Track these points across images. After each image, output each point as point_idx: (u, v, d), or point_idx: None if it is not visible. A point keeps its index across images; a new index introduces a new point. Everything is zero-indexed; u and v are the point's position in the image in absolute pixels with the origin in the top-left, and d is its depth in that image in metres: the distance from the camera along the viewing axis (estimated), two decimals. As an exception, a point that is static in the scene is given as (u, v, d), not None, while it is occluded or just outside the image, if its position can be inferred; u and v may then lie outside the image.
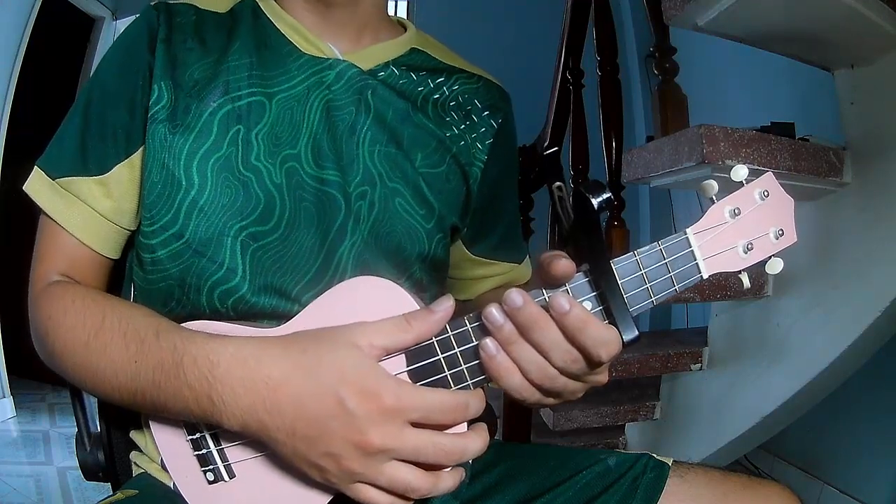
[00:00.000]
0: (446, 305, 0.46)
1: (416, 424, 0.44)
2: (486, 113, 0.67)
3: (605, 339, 0.43)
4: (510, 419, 1.52)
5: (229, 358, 0.45)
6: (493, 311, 0.44)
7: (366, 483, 0.45)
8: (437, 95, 0.65)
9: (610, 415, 1.53)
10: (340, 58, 0.60)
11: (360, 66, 0.60)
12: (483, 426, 0.47)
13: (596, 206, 0.44)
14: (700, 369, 1.46)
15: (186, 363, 0.46)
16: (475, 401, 0.46)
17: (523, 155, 1.65)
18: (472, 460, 0.65)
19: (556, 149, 0.51)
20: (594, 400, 1.54)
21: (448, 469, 0.46)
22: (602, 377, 0.48)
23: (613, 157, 1.58)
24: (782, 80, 2.03)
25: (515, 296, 0.43)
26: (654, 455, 0.62)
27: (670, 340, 1.55)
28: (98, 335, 0.51)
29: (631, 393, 1.62)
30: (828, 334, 1.18)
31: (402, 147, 0.61)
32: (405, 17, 3.88)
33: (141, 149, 0.57)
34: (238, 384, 0.45)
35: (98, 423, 0.71)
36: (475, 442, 0.46)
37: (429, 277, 0.63)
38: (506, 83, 0.71)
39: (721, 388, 1.43)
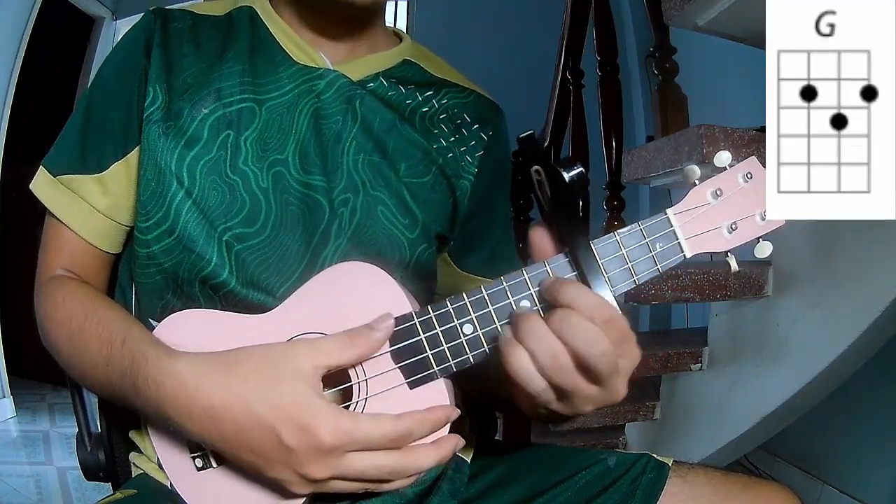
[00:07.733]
0: (387, 324, 0.47)
1: None
2: (475, 126, 0.67)
3: (598, 301, 0.42)
4: (510, 419, 1.52)
5: (173, 382, 0.47)
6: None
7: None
8: (426, 108, 0.65)
9: (610, 415, 1.53)
10: (331, 67, 0.61)
11: (350, 77, 0.62)
12: (449, 438, 0.48)
13: (568, 180, 0.44)
14: (700, 369, 1.46)
15: (139, 383, 0.48)
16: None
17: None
18: (471, 460, 0.65)
19: (531, 132, 0.50)
20: (594, 400, 1.53)
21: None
22: (621, 387, 0.48)
23: (613, 157, 1.58)
24: (782, 79, 2.03)
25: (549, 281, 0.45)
26: (655, 455, 0.62)
27: (670, 340, 1.55)
28: (79, 334, 0.53)
29: (631, 393, 1.60)
30: (828, 334, 1.18)
31: (386, 156, 0.61)
32: (405, 16, 3.89)
33: (137, 148, 0.59)
34: (183, 410, 0.46)
35: (98, 422, 0.71)
36: (426, 457, 0.46)
37: (413, 286, 0.63)
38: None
39: (721, 388, 1.42)
